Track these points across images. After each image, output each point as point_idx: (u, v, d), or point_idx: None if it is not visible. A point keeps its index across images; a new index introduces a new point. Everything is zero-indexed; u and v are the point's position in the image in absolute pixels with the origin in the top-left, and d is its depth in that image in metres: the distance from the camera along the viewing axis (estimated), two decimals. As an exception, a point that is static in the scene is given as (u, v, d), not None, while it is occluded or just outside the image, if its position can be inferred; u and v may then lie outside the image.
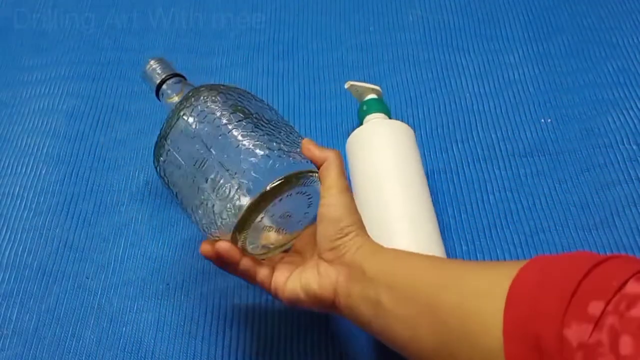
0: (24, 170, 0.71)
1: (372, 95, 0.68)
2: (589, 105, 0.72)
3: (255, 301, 0.59)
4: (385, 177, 0.59)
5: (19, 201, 0.68)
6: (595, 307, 0.33)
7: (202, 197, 0.49)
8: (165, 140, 0.52)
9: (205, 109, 0.51)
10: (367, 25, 0.84)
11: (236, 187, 0.47)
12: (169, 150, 0.51)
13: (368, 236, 0.48)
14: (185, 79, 0.62)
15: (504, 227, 0.63)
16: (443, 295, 0.41)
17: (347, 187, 0.48)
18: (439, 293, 0.41)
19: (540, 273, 0.37)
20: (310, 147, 0.49)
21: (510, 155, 0.68)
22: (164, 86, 0.61)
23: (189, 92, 0.54)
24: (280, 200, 0.48)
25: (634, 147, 0.68)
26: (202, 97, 0.52)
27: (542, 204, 0.64)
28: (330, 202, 0.47)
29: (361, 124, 0.66)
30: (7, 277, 0.62)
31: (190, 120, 0.51)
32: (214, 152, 0.49)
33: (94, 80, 0.79)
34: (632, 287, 0.33)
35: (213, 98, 0.52)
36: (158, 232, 0.64)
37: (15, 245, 0.64)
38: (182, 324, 0.58)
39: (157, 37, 0.84)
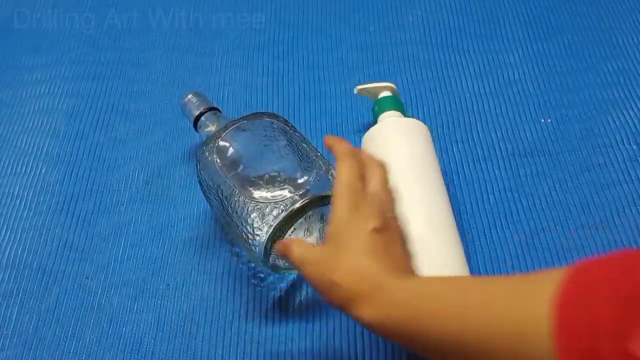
0: (24, 170, 0.71)
1: (386, 93, 0.68)
2: (589, 105, 0.72)
3: (255, 301, 0.59)
4: (400, 177, 0.57)
5: (19, 201, 0.68)
6: None
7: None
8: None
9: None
10: (367, 25, 0.84)
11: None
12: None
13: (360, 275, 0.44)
14: (219, 110, 0.67)
15: (504, 227, 0.63)
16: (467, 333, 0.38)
17: (309, 261, 0.46)
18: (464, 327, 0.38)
19: (588, 280, 0.33)
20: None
21: (510, 155, 0.68)
22: (202, 118, 0.65)
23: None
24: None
25: (634, 147, 0.68)
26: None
27: (542, 204, 0.64)
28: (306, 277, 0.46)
29: (376, 122, 0.66)
30: (7, 277, 0.62)
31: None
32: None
33: (93, 80, 0.79)
34: None
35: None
36: (158, 232, 0.64)
37: (15, 245, 0.64)
38: (182, 324, 0.58)
39: (157, 37, 0.84)
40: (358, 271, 0.43)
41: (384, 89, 0.68)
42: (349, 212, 0.46)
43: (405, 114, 0.66)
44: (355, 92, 0.68)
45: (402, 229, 0.50)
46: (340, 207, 0.46)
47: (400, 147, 0.61)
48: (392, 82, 0.68)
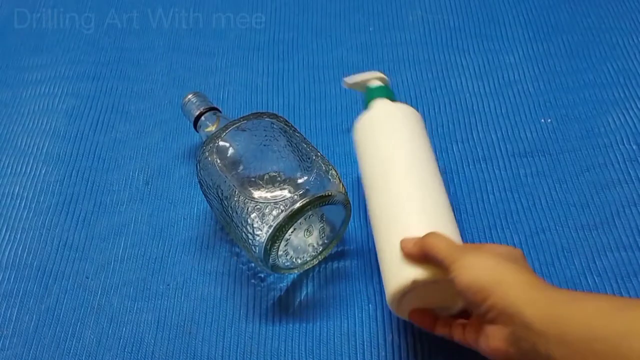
0: (24, 170, 0.71)
1: (375, 83, 0.65)
2: (589, 105, 0.72)
3: (255, 301, 0.59)
4: (393, 160, 0.57)
5: (19, 201, 0.68)
6: None
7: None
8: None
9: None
10: (367, 25, 0.84)
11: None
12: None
13: (518, 279, 0.42)
14: (219, 110, 0.67)
15: (504, 227, 0.63)
16: (626, 343, 0.35)
17: (460, 250, 0.46)
18: (621, 343, 0.35)
19: None
20: (408, 247, 0.49)
21: (510, 155, 0.68)
22: (202, 118, 0.65)
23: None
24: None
25: (634, 147, 0.68)
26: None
27: (542, 204, 0.64)
28: (456, 278, 0.44)
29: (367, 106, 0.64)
30: (7, 277, 0.62)
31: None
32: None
33: (93, 80, 0.79)
34: None
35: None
36: (158, 232, 0.64)
37: (15, 245, 0.64)
38: (182, 324, 0.58)
39: (157, 37, 0.84)
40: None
41: (373, 79, 0.65)
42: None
43: (393, 100, 0.64)
44: (344, 85, 0.66)
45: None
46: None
47: (390, 129, 0.59)
48: (381, 72, 0.65)
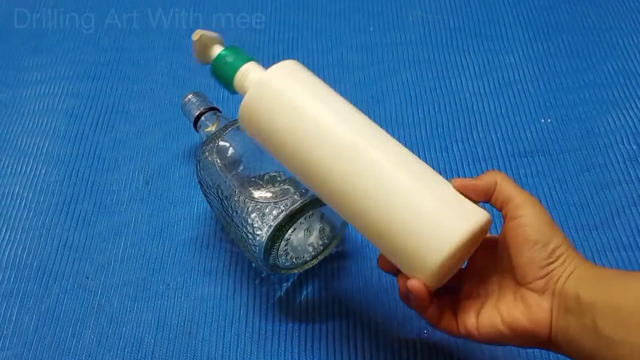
0: (24, 170, 0.71)
1: (217, 48, 0.51)
2: (589, 105, 0.72)
3: (255, 301, 0.59)
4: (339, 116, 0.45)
5: (19, 201, 0.68)
6: None
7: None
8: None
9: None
10: (367, 25, 0.84)
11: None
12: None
13: (579, 255, 0.41)
14: (219, 110, 0.66)
15: (504, 227, 0.63)
16: None
17: (537, 200, 0.42)
18: None
19: None
20: (467, 183, 0.43)
21: (510, 155, 0.68)
22: (202, 118, 0.65)
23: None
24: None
25: (634, 147, 0.68)
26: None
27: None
28: (529, 221, 0.41)
29: (231, 87, 0.49)
30: (7, 277, 0.62)
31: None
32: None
33: (93, 80, 0.79)
34: None
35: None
36: (158, 232, 0.64)
37: (15, 245, 0.64)
38: (182, 324, 0.58)
39: (157, 37, 0.84)
40: None
41: (211, 42, 0.50)
42: None
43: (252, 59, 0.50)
44: (194, 38, 0.50)
45: None
46: None
47: (314, 89, 0.46)
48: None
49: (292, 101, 0.45)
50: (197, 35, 0.50)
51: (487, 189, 0.43)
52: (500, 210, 0.43)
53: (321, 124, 0.44)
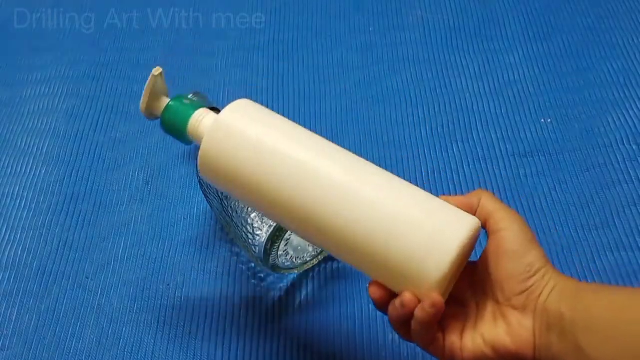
0: (24, 170, 0.71)
1: (164, 100, 0.50)
2: (589, 105, 0.72)
3: (255, 301, 0.59)
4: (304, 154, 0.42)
5: (19, 201, 0.68)
6: None
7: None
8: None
9: None
10: (367, 25, 0.84)
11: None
12: None
13: (557, 271, 0.40)
14: (219, 110, 0.64)
15: (504, 227, 0.63)
16: None
17: (519, 216, 0.42)
18: None
19: None
20: (451, 199, 0.43)
21: (510, 155, 0.68)
22: None
23: None
24: None
25: (634, 147, 0.68)
26: None
27: (542, 204, 0.64)
28: (509, 235, 0.40)
29: (184, 136, 0.47)
30: (7, 277, 0.62)
31: None
32: None
33: (93, 80, 0.79)
34: None
35: None
36: (158, 232, 0.64)
37: (15, 245, 0.64)
38: (182, 324, 0.58)
39: (157, 37, 0.84)
40: None
41: (160, 93, 0.50)
42: None
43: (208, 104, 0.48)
44: (155, 73, 0.50)
45: None
46: None
47: (278, 128, 0.44)
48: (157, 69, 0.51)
49: (256, 139, 0.42)
50: (157, 70, 0.49)
51: (470, 204, 0.43)
52: (484, 227, 0.43)
53: (293, 157, 0.42)
